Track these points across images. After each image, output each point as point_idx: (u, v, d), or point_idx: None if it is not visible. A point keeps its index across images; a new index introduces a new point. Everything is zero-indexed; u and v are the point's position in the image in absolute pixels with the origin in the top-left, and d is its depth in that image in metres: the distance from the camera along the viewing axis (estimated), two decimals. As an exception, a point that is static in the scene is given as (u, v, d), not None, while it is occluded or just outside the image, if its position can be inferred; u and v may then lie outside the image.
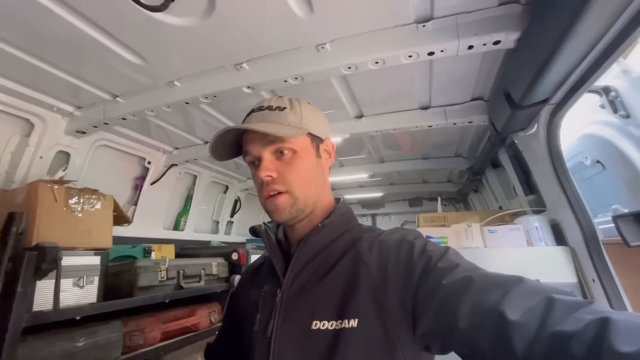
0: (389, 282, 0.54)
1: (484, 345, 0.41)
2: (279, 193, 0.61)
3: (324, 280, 0.59)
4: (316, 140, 0.67)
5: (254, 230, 0.70)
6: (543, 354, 0.35)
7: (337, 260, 0.61)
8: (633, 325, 0.31)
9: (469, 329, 0.42)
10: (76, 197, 1.36)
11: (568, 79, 1.02)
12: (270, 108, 0.64)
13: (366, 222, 4.82)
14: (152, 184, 2.27)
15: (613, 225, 1.16)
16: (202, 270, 1.91)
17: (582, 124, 1.54)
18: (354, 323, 0.53)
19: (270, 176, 0.60)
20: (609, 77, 1.29)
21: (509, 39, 1.01)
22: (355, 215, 0.71)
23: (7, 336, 0.97)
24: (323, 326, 0.54)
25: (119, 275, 1.53)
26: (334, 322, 0.54)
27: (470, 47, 1.05)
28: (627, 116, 1.30)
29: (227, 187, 3.17)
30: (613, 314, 0.33)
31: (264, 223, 0.71)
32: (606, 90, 1.32)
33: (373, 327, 0.52)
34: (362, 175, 2.94)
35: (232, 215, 3.28)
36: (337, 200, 0.71)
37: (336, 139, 1.94)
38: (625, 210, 1.45)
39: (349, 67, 1.18)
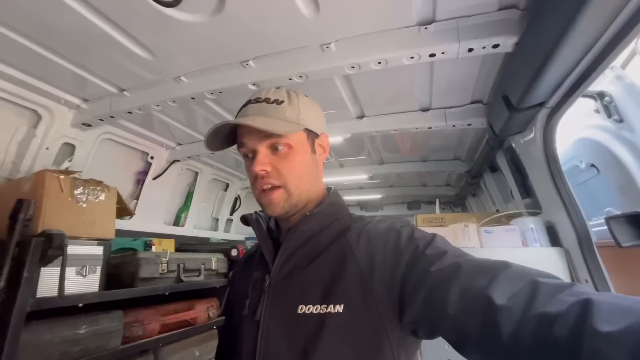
0: (376, 269, 0.55)
1: (472, 330, 0.42)
2: (273, 187, 0.62)
3: (310, 266, 0.61)
4: (312, 135, 0.67)
5: (245, 219, 0.72)
6: (529, 336, 0.36)
7: (325, 247, 0.62)
8: (613, 306, 0.33)
9: (458, 315, 0.44)
10: (81, 188, 1.39)
11: (564, 83, 1.06)
12: (267, 101, 0.63)
13: (364, 224, 4.82)
14: (154, 179, 2.29)
15: (605, 227, 1.19)
16: (202, 265, 1.93)
17: (577, 128, 1.58)
18: (339, 308, 0.54)
19: (265, 170, 0.61)
20: (604, 82, 1.33)
21: (508, 42, 1.05)
22: (346, 205, 0.71)
23: (12, 320, 0.99)
24: (308, 310, 0.56)
25: (120, 266, 1.55)
26: (319, 306, 0.55)
27: (470, 49, 1.09)
28: (621, 120, 1.34)
29: (227, 185, 3.19)
30: (594, 296, 0.35)
31: (255, 212, 0.72)
32: (601, 95, 1.36)
33: (358, 313, 0.53)
34: (361, 177, 2.97)
35: (231, 213, 3.30)
36: (329, 190, 0.72)
37: (337, 139, 1.97)
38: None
39: (353, 67, 1.21)
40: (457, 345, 0.46)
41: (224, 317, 0.80)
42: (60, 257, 1.13)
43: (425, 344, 0.71)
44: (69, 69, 1.35)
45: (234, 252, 2.22)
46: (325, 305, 0.55)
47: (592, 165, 1.55)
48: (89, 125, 1.70)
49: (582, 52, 0.89)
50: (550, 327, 0.35)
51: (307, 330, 0.55)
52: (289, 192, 0.62)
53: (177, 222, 2.63)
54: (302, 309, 0.56)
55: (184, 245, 2.43)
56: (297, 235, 0.64)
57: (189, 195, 2.73)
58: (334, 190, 0.72)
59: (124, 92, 1.55)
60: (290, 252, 0.64)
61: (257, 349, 0.58)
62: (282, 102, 0.64)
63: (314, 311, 0.55)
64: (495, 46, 1.06)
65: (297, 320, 0.56)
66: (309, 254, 0.63)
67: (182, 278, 1.77)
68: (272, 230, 0.72)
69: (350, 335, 0.53)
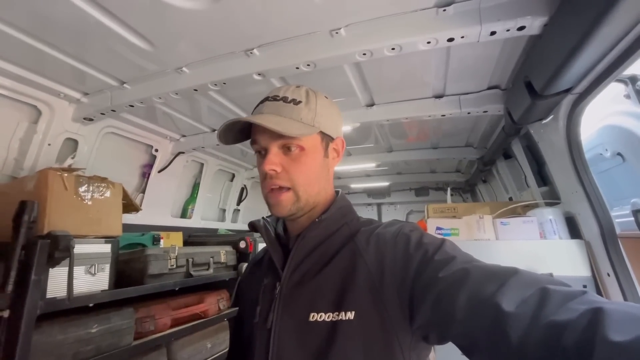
0: (385, 274, 0.55)
1: (481, 336, 0.41)
2: (281, 188, 0.61)
3: (321, 273, 0.60)
4: (326, 139, 0.66)
5: (253, 225, 0.70)
6: (537, 344, 0.35)
7: (335, 253, 0.62)
8: (625, 315, 0.32)
9: (466, 321, 0.43)
10: (86, 185, 1.36)
11: (595, 68, 0.97)
12: (285, 100, 0.62)
13: (371, 211, 4.81)
14: (159, 171, 2.26)
15: (628, 219, 1.14)
16: (211, 259, 1.91)
17: (603, 114, 1.49)
18: (350, 315, 0.54)
19: (274, 170, 0.60)
20: (636, 65, 1.23)
21: (535, 24, 0.96)
22: (354, 208, 0.71)
23: (22, 323, 0.98)
24: (320, 318, 0.55)
25: (129, 263, 1.54)
26: (331, 313, 0.55)
27: (493, 33, 1.00)
28: (654, 107, 1.25)
29: (233, 175, 3.16)
30: (606, 304, 0.34)
31: (262, 218, 0.71)
32: (633, 80, 1.26)
33: (370, 319, 0.53)
34: (369, 165, 2.91)
35: (238, 203, 3.28)
36: (337, 192, 0.71)
37: (346, 128, 1.90)
38: (646, 204, 1.42)
39: (364, 54, 1.13)
40: (466, 350, 0.45)
41: (234, 309, 0.79)
42: (68, 259, 1.10)
43: (441, 348, 0.69)
44: (67, 62, 1.30)
45: (242, 245, 2.21)
46: (337, 313, 0.55)
47: (618, 154, 1.46)
48: (91, 120, 1.65)
49: (622, 34, 0.81)
50: (560, 335, 0.34)
51: (320, 338, 0.54)
52: (297, 195, 0.61)
53: (184, 214, 2.61)
54: (314, 316, 0.56)
55: (192, 237, 2.42)
56: (307, 242, 0.63)
57: (195, 187, 2.71)
58: (341, 193, 0.71)
59: (125, 85, 1.49)
60: (300, 258, 0.63)
61: (269, 357, 0.57)
62: (300, 102, 0.62)
63: (326, 319, 0.55)
64: (521, 28, 0.97)
65: (309, 328, 0.56)
66: (319, 261, 0.62)
67: (192, 272, 1.76)
68: (280, 236, 0.71)
69: (362, 341, 0.53)
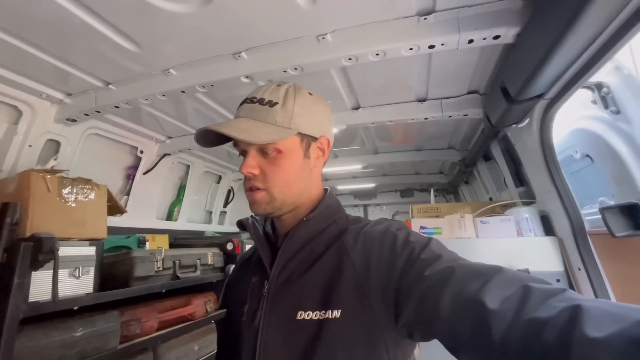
0: (372, 273, 0.55)
1: (464, 333, 0.42)
2: (258, 189, 0.62)
3: (309, 272, 0.61)
4: (307, 139, 0.65)
5: (241, 224, 0.70)
6: (519, 340, 0.36)
7: (323, 252, 0.62)
8: (602, 312, 0.33)
9: (450, 317, 0.44)
10: (69, 187, 1.34)
11: (564, 75, 1.04)
12: (261, 102, 0.62)
13: (358, 212, 4.87)
14: (144, 173, 2.23)
15: (599, 216, 1.21)
16: (198, 260, 1.91)
17: (573, 118, 1.58)
18: (337, 313, 0.54)
19: (252, 173, 0.61)
20: (602, 73, 1.32)
21: (509, 34, 1.02)
22: (342, 206, 0.71)
23: (4, 328, 0.96)
24: (308, 316, 0.56)
25: (114, 265, 1.51)
26: (318, 312, 0.55)
27: (471, 41, 1.06)
28: (618, 112, 1.34)
29: (220, 177, 3.14)
30: (585, 302, 0.35)
31: (251, 216, 0.71)
32: (598, 87, 1.35)
33: (356, 317, 0.54)
34: (355, 166, 2.96)
35: (225, 206, 3.26)
36: (326, 191, 0.71)
37: (332, 130, 1.94)
38: (612, 203, 1.51)
39: (350, 59, 1.17)
40: (451, 347, 0.46)
41: (222, 311, 0.79)
42: (52, 261, 1.09)
43: (425, 345, 0.71)
44: (49, 62, 1.27)
45: (229, 246, 2.21)
46: (324, 311, 0.55)
47: (587, 156, 1.56)
48: (74, 121, 1.63)
49: (586, 44, 0.88)
50: (540, 331, 0.35)
51: (306, 336, 0.55)
52: (271, 196, 0.62)
53: (170, 217, 2.58)
54: (302, 315, 0.56)
55: (178, 240, 2.40)
56: (294, 241, 0.63)
57: (181, 189, 2.68)
58: (329, 192, 0.71)
59: (110, 86, 1.47)
60: (288, 257, 0.63)
61: (256, 355, 0.58)
62: (275, 104, 0.61)
63: (314, 317, 0.56)
64: (496, 37, 1.04)
65: (296, 326, 0.56)
66: (306, 259, 0.63)
67: (179, 275, 1.75)
68: (268, 234, 0.71)
69: (348, 339, 0.53)
